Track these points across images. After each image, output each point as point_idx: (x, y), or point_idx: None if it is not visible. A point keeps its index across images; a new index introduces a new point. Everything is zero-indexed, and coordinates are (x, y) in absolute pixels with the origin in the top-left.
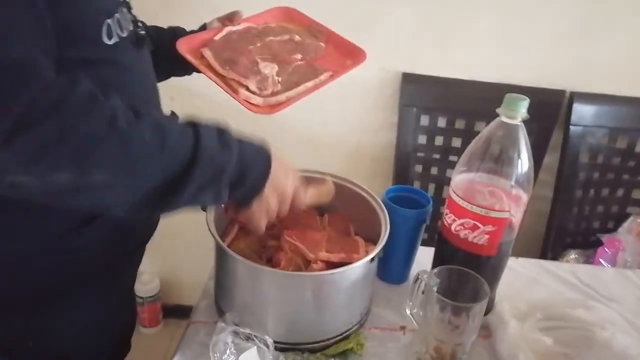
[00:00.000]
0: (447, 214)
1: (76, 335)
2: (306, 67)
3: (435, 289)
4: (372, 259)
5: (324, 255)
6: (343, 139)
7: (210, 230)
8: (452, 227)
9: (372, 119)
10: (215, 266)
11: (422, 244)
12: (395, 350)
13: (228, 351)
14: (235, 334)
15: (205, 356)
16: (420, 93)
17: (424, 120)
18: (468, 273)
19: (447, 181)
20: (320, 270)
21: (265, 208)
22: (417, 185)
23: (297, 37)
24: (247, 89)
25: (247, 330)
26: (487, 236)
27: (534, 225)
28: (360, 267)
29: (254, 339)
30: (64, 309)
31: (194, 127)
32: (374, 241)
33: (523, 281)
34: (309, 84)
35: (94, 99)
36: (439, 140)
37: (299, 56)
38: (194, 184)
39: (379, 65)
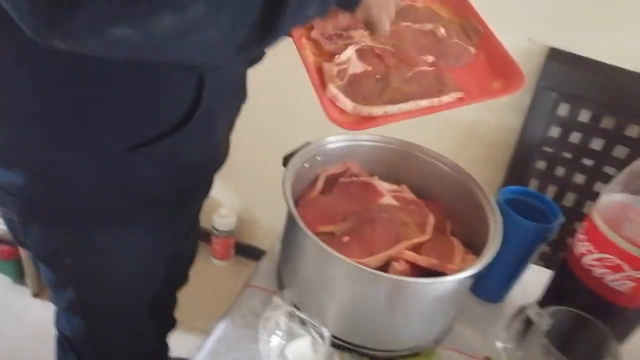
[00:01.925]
0: (581, 242)
1: (120, 261)
2: (432, 77)
3: (544, 333)
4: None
5: (410, 255)
6: (456, 113)
7: (284, 192)
8: (585, 260)
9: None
10: (284, 232)
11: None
12: None
13: (279, 332)
14: (291, 315)
15: (253, 328)
16: (566, 76)
17: (563, 109)
18: (593, 322)
19: (573, 188)
20: (403, 272)
21: (381, 3)
22: (533, 184)
23: (441, 31)
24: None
25: (304, 315)
26: (633, 284)
27: None
28: (454, 282)
29: (310, 327)
30: (110, 234)
31: None
32: (474, 247)
33: None
34: (424, 102)
35: None
36: (575, 137)
37: (430, 59)
38: None
39: (523, 33)
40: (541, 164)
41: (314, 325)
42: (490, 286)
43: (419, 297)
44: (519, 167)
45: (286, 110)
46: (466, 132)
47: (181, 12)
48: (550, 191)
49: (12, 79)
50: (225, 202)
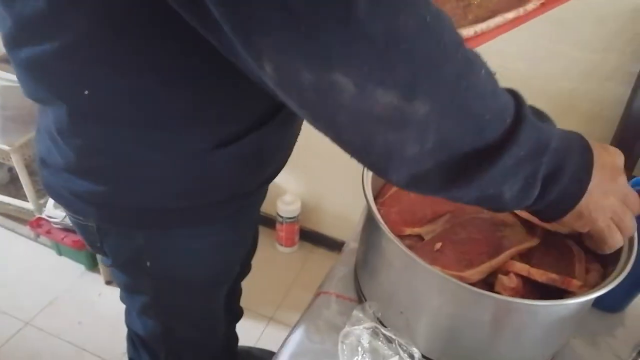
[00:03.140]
0: None
1: (200, 261)
2: None
3: None
4: None
5: (522, 267)
6: (550, 81)
7: (364, 188)
8: None
9: (602, 61)
10: (362, 232)
11: None
12: None
13: (361, 351)
14: (375, 332)
15: (331, 342)
16: None
17: None
18: None
19: None
20: (514, 289)
21: (604, 203)
22: None
23: None
24: None
25: (390, 333)
26: None
27: None
28: (579, 304)
29: (397, 346)
30: (190, 234)
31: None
32: (599, 256)
33: None
34: (510, 15)
35: (440, 13)
36: None
37: None
38: (514, 152)
39: None
40: None
41: (402, 344)
42: (611, 295)
43: (535, 320)
44: (624, 146)
45: None
46: (561, 103)
47: (408, 100)
48: None
49: (109, 83)
50: (290, 189)
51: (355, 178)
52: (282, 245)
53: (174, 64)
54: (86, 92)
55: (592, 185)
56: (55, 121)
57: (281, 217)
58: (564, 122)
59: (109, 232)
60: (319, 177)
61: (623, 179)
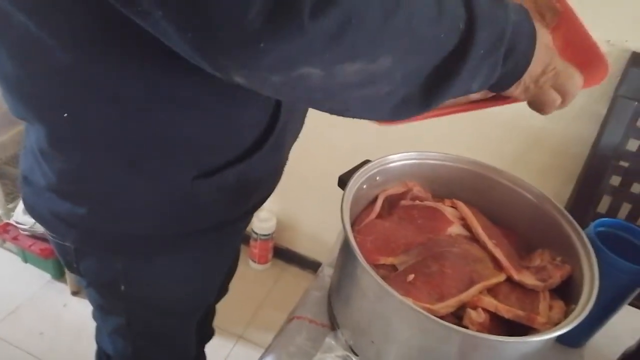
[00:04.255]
0: None
1: (177, 286)
2: None
3: None
4: None
5: (489, 303)
6: (523, 119)
7: (342, 218)
8: None
9: (572, 102)
10: (338, 259)
11: None
12: None
13: None
14: None
15: None
16: None
17: None
18: None
19: None
20: (482, 324)
21: (541, 75)
22: (605, 202)
23: None
24: None
25: None
26: None
27: None
28: (542, 342)
29: None
30: (168, 260)
31: None
32: (560, 291)
33: None
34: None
35: None
36: None
37: None
38: (475, 53)
39: (602, 36)
40: (615, 180)
41: None
42: (573, 332)
43: (501, 355)
44: (590, 181)
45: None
46: (531, 139)
47: (373, 62)
48: (624, 209)
49: (87, 108)
50: (266, 205)
51: (332, 199)
52: (255, 262)
53: (153, 92)
54: (65, 115)
55: (534, 60)
56: (37, 141)
57: (256, 233)
58: (530, 155)
59: (87, 254)
60: (296, 196)
61: (555, 54)
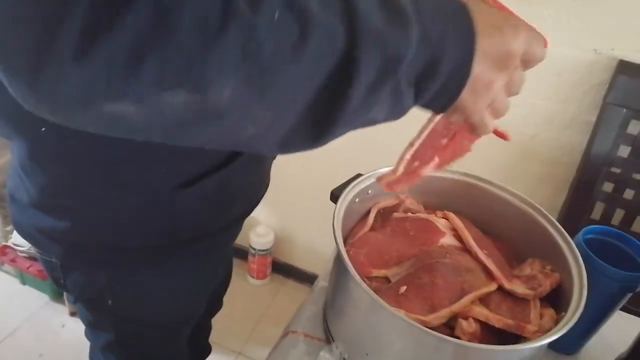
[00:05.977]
0: None
1: (164, 300)
2: None
3: None
4: None
5: (480, 313)
6: (513, 127)
7: (334, 233)
8: None
9: (561, 111)
10: (332, 273)
11: None
12: None
13: None
14: None
15: None
16: (637, 91)
17: (634, 127)
18: None
19: None
20: (474, 333)
21: (485, 95)
22: (599, 209)
23: None
24: None
25: None
26: None
27: None
28: (533, 349)
29: None
30: (154, 273)
31: None
32: (551, 299)
33: None
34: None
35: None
36: None
37: None
38: (364, 77)
39: (590, 44)
40: (608, 186)
41: None
42: (566, 339)
43: None
44: (582, 189)
45: None
46: (523, 149)
47: (199, 92)
48: (618, 216)
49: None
50: (263, 220)
51: (328, 213)
52: (253, 277)
53: None
54: (43, 129)
55: (472, 78)
56: (18, 157)
57: (254, 249)
58: (522, 164)
59: (73, 269)
60: (292, 210)
61: (514, 61)
